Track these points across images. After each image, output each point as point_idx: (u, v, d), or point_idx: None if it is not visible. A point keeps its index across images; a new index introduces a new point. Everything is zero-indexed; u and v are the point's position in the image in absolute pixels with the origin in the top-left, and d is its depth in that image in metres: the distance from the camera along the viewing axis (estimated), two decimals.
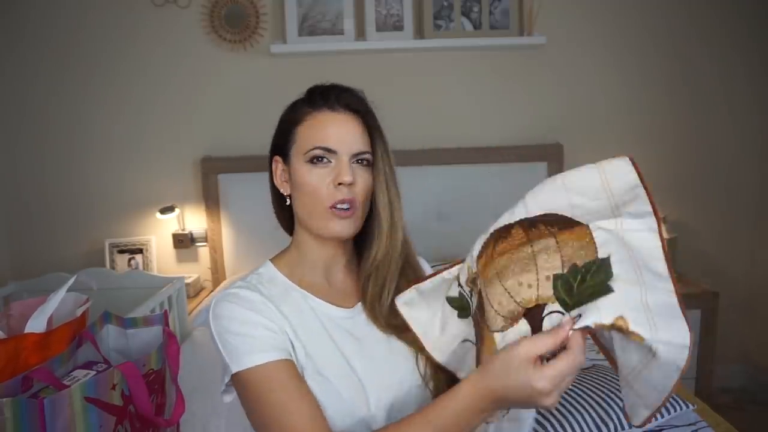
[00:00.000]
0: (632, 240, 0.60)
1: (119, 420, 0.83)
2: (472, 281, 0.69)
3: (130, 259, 2.33)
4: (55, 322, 1.01)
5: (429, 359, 0.80)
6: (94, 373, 0.92)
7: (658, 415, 1.13)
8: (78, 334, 0.98)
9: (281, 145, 0.83)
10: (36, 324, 0.94)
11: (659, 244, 0.59)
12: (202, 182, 2.35)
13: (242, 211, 2.32)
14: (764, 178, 2.46)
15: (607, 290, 0.56)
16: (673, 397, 1.18)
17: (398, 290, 0.82)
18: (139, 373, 0.86)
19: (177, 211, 2.33)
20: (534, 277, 0.61)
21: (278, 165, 0.85)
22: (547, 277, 0.61)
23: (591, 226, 0.61)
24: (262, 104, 2.31)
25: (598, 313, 0.55)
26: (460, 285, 0.72)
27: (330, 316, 0.81)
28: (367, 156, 0.80)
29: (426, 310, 0.76)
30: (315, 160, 0.78)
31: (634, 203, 0.60)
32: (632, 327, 0.54)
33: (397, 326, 0.80)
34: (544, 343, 0.55)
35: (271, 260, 0.87)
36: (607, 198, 0.62)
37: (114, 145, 2.35)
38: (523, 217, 0.66)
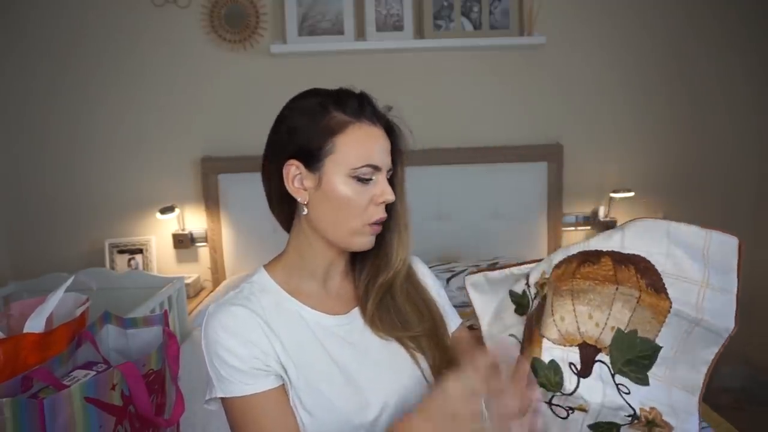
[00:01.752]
0: (699, 335, 0.64)
1: (119, 420, 0.83)
2: (542, 285, 0.70)
3: (130, 259, 2.33)
4: (55, 322, 1.01)
5: (430, 359, 0.80)
6: (94, 373, 0.92)
7: None
8: (78, 334, 0.98)
9: (306, 150, 0.76)
10: (34, 324, 0.94)
11: (716, 350, 0.64)
12: (201, 182, 2.35)
13: (242, 211, 2.32)
14: (763, 178, 2.46)
15: (645, 381, 0.64)
16: None
17: (393, 294, 0.83)
18: (139, 373, 0.86)
19: (177, 211, 2.33)
20: (604, 319, 0.63)
21: (291, 169, 0.77)
22: (612, 328, 0.63)
23: (673, 308, 0.63)
24: (262, 104, 2.31)
25: (639, 397, 0.63)
26: (527, 284, 0.73)
27: (323, 325, 0.80)
28: (392, 170, 0.81)
29: (488, 294, 0.79)
30: (362, 178, 0.75)
31: (723, 281, 0.65)
32: (664, 417, 0.63)
33: (397, 330, 0.81)
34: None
35: (265, 267, 0.84)
36: (703, 263, 0.65)
37: (114, 145, 2.35)
38: (617, 249, 0.66)
